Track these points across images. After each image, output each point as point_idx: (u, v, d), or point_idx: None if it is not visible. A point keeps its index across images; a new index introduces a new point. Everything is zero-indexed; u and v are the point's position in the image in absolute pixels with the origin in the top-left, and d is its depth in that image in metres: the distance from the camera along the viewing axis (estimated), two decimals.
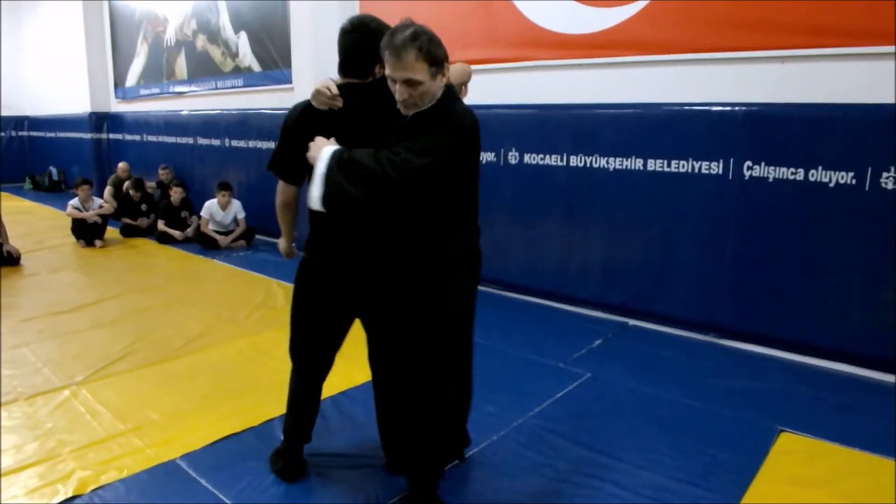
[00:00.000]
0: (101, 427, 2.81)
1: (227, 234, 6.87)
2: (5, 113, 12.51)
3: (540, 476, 2.46)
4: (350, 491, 2.35)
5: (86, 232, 6.85)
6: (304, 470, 2.46)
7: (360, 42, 2.10)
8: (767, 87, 3.68)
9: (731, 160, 3.75)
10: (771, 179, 3.62)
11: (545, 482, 2.42)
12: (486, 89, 5.00)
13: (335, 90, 2.10)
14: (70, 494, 2.31)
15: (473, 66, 4.88)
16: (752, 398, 3.16)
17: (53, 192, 11.57)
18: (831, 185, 3.43)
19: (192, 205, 7.38)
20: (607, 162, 4.28)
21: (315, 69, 5.99)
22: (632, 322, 4.30)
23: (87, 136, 10.51)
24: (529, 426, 2.86)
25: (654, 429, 2.85)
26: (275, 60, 6.96)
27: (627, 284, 4.31)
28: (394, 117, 2.04)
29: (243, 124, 7.43)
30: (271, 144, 6.74)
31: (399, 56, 1.85)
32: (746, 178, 3.70)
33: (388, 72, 1.90)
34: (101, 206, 7.05)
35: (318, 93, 2.11)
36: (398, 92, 1.91)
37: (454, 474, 2.45)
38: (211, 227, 6.84)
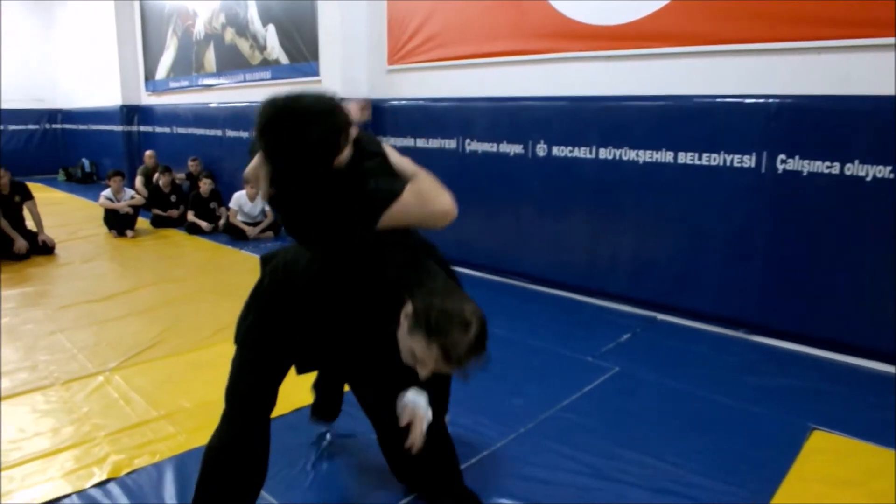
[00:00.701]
0: (134, 413, 2.87)
1: (255, 225, 6.96)
2: (40, 106, 12.81)
3: (566, 470, 2.45)
4: (380, 479, 2.37)
5: (118, 222, 6.99)
6: (338, 412, 2.64)
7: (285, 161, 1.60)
8: (803, 79, 3.59)
9: (765, 153, 3.68)
10: (805, 173, 3.55)
11: (571, 476, 2.41)
12: (515, 81, 4.99)
13: None
14: (105, 477, 2.36)
15: (502, 59, 4.99)
16: (783, 395, 3.11)
17: (86, 183, 11.81)
18: (868, 178, 3.35)
19: (221, 196, 7.48)
20: (637, 155, 4.23)
21: (343, 61, 6.03)
22: (661, 316, 4.25)
23: (119, 128, 10.69)
24: (557, 419, 2.86)
25: (682, 424, 2.82)
26: (303, 53, 7.00)
27: (657, 278, 4.27)
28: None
29: None
30: None
31: (460, 364, 1.60)
32: (780, 171, 3.63)
33: (422, 354, 1.61)
34: (132, 197, 7.19)
35: None
36: (423, 369, 1.66)
37: (480, 466, 2.46)
38: (239, 218, 6.93)
